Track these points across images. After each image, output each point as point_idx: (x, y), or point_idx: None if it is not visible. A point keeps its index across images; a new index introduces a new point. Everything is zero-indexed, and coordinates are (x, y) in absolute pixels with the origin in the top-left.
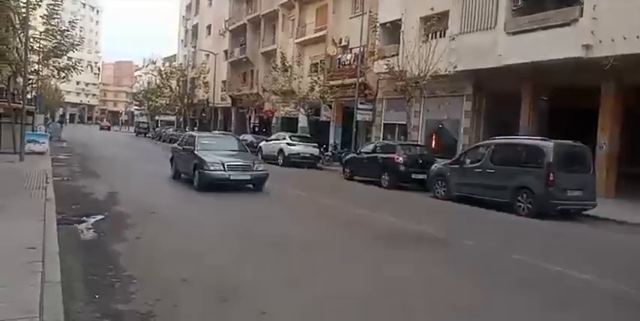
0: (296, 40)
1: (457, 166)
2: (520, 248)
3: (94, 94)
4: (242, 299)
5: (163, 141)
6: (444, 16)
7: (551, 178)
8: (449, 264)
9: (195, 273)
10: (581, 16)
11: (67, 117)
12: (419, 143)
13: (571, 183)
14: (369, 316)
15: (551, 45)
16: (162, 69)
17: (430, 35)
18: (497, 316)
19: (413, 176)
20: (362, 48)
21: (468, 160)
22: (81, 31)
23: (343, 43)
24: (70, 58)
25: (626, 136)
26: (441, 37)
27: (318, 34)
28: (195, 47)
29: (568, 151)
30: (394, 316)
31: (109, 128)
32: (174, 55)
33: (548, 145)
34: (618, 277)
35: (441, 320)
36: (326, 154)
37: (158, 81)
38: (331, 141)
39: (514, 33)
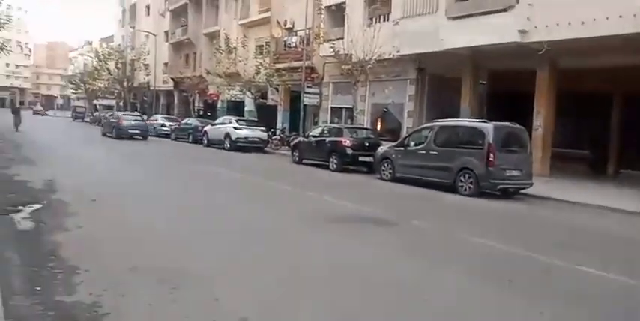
0: (240, 22)
1: (402, 148)
2: (463, 227)
3: (25, 77)
4: (193, 286)
5: (99, 125)
6: (387, 0)
7: (491, 159)
8: (396, 242)
9: (143, 261)
10: (517, 2)
11: None
12: (365, 127)
13: (510, 163)
14: (323, 296)
15: (490, 30)
16: (100, 50)
17: (374, 19)
18: (439, 288)
19: (360, 159)
20: (307, 30)
21: (412, 143)
22: (8, 8)
23: (288, 26)
24: None
25: (560, 119)
26: (385, 21)
27: (262, 16)
28: (134, 28)
29: (507, 132)
30: (349, 294)
31: (43, 113)
32: (112, 35)
33: (488, 126)
34: (545, 249)
35: (390, 295)
36: (274, 138)
37: (95, 63)
38: (279, 125)
39: (455, 18)
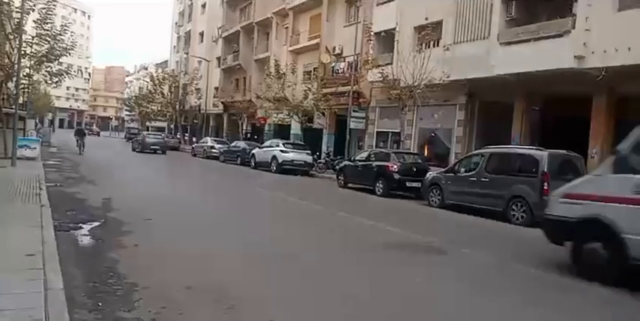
0: (289, 48)
1: (452, 174)
2: (513, 256)
3: (83, 100)
4: (248, 306)
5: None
6: (438, 26)
7: (545, 188)
8: (447, 271)
9: (199, 280)
10: (574, 27)
11: (57, 122)
12: (413, 151)
13: None
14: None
15: (543, 56)
16: (155, 75)
17: (424, 44)
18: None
19: (407, 184)
20: (356, 56)
21: (462, 169)
22: (72, 35)
23: (337, 52)
24: (61, 63)
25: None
26: (434, 46)
27: (311, 42)
28: (187, 53)
29: (562, 160)
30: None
31: (98, 134)
32: (166, 61)
33: (543, 154)
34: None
35: None
36: (319, 161)
37: (150, 87)
38: (324, 148)
39: (507, 43)
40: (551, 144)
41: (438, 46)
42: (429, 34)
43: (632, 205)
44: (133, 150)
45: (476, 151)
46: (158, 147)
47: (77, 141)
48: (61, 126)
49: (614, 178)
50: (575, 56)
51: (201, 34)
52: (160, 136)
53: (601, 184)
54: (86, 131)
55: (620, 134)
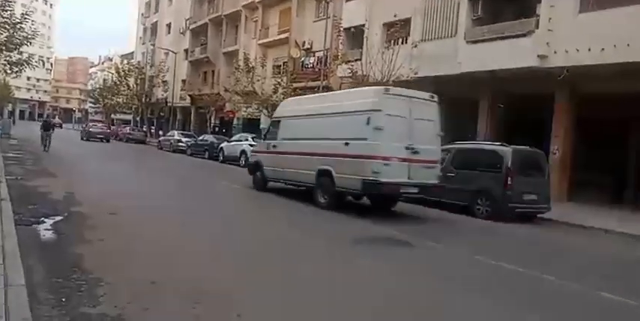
0: (259, 42)
1: None
2: (479, 249)
3: (45, 91)
4: (214, 302)
5: (119, 140)
6: (406, 23)
7: (509, 182)
8: (412, 264)
9: (165, 275)
10: (537, 27)
11: (17, 113)
12: None
13: (528, 187)
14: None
15: (508, 54)
16: (120, 66)
17: (393, 41)
18: (459, 315)
19: None
20: (325, 51)
21: None
22: (33, 24)
23: (307, 46)
24: (21, 53)
25: (578, 143)
26: (403, 43)
27: (281, 36)
28: (154, 45)
29: (525, 156)
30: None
31: (60, 126)
32: (132, 52)
33: (507, 150)
34: (571, 275)
35: (406, 316)
36: None
37: (115, 78)
38: None
39: (473, 42)
40: (515, 141)
41: (406, 43)
42: (397, 31)
43: (266, 154)
44: (81, 139)
45: (443, 147)
46: (102, 136)
47: (42, 136)
48: (21, 117)
49: (261, 142)
50: (538, 55)
51: (169, 26)
52: (104, 127)
53: (259, 146)
54: (56, 124)
55: (581, 131)
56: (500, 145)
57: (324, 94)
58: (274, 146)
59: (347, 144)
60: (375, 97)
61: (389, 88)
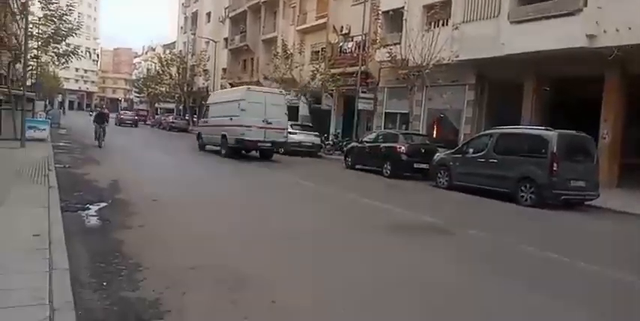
0: (297, 28)
1: (460, 155)
2: (523, 238)
3: (92, 81)
4: (252, 288)
5: (163, 128)
6: (447, 5)
7: (554, 168)
8: (451, 252)
9: (203, 260)
10: (585, 5)
11: (67, 104)
12: (421, 133)
13: (574, 173)
14: (373, 302)
15: (554, 35)
16: (162, 56)
17: (433, 24)
18: (494, 300)
19: (415, 166)
20: (364, 36)
21: (470, 150)
22: (79, 16)
23: (345, 31)
24: (68, 44)
25: (629, 127)
26: (443, 25)
27: (319, 22)
28: (194, 34)
29: (571, 141)
30: (399, 303)
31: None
32: (174, 42)
33: (552, 134)
34: (622, 265)
35: (441, 306)
36: (327, 142)
37: (158, 68)
38: (332, 130)
39: (518, 22)
40: (561, 125)
41: (447, 25)
42: (437, 12)
43: (203, 127)
44: (115, 124)
45: (484, 132)
46: (131, 122)
47: (96, 130)
48: (71, 107)
49: (201, 120)
50: (586, 35)
51: (208, 15)
52: (131, 114)
53: (200, 122)
54: (108, 115)
55: (632, 115)
56: (545, 129)
57: (227, 89)
58: (205, 122)
59: (231, 119)
60: (243, 91)
61: (250, 87)
